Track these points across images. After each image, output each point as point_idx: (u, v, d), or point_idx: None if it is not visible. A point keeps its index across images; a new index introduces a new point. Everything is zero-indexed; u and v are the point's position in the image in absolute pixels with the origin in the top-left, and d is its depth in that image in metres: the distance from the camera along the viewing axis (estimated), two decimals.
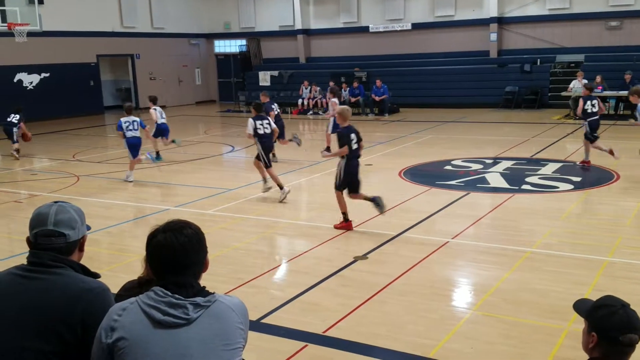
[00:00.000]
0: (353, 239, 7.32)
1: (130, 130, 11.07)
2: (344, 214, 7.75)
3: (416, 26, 24.25)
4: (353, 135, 7.64)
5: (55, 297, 2.26)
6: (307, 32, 26.55)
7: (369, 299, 5.44)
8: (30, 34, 16.17)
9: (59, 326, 2.24)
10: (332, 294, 5.64)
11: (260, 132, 9.45)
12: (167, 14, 26.27)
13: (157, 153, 13.20)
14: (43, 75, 21.45)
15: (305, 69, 25.80)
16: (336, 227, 7.73)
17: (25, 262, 2.41)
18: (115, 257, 7.06)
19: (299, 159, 13.07)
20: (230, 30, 28.04)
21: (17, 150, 14.29)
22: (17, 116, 14.53)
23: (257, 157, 9.63)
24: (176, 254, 2.13)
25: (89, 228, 2.54)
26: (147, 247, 2.20)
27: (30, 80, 21.17)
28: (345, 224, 7.72)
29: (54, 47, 21.21)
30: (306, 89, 23.02)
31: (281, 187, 9.32)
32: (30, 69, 21.05)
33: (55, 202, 2.46)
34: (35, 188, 10.92)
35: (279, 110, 13.28)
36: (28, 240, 2.41)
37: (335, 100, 13.67)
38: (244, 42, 27.72)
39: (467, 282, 6.04)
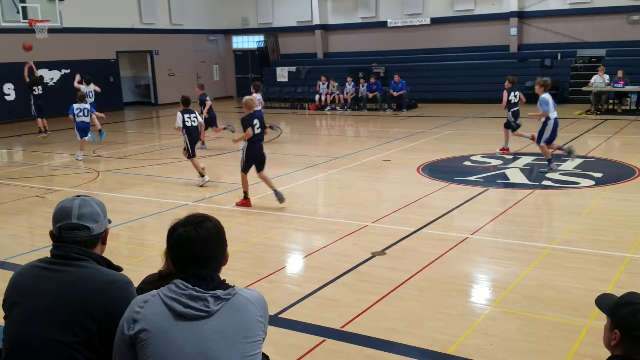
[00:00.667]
0: (371, 235, 7.31)
1: (80, 116, 13.12)
2: (245, 192, 8.75)
3: (435, 21, 24.07)
4: (256, 121, 8.56)
5: (80, 289, 2.31)
6: (325, 28, 26.50)
7: (387, 295, 5.42)
8: (50, 31, 16.34)
9: (84, 318, 2.28)
10: (350, 289, 5.64)
11: (188, 124, 10.36)
12: (185, 10, 26.39)
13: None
14: (63, 71, 21.68)
15: (322, 65, 25.77)
16: (237, 204, 8.72)
17: (47, 255, 2.45)
18: (135, 251, 7.13)
19: (314, 154, 13.06)
20: (248, 26, 28.09)
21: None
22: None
23: (184, 149, 10.57)
24: (197, 246, 2.15)
25: (109, 222, 2.57)
26: (168, 241, 2.22)
27: (50, 76, 21.41)
28: (245, 201, 8.73)
29: (74, 44, 21.42)
30: (323, 84, 22.99)
31: (202, 175, 10.27)
32: (51, 65, 21.28)
33: (78, 196, 2.49)
34: (56, 183, 11.06)
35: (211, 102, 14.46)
36: (51, 234, 2.45)
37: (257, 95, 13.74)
38: (261, 38, 27.76)
39: (487, 279, 5.99)
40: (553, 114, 10.42)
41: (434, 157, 12.29)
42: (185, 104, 10.52)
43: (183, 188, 10.49)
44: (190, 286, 2.11)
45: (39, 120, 15.76)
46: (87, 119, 13.32)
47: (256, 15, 27.68)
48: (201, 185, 10.24)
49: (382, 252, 6.60)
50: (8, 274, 6.21)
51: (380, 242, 6.92)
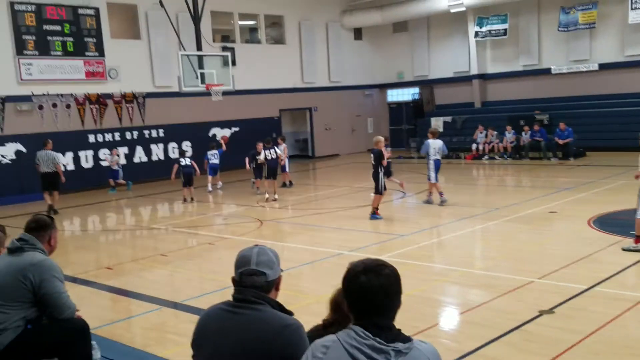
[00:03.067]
0: (537, 292, 6.81)
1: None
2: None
3: (604, 66, 22.53)
4: None
5: (258, 331, 2.50)
6: (483, 77, 26.02)
7: (557, 357, 4.97)
8: (224, 93, 17.92)
9: (262, 358, 2.42)
10: (516, 349, 5.26)
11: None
12: (343, 69, 27.53)
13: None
14: (233, 129, 23.56)
15: (480, 114, 25.20)
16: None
17: (224, 299, 2.69)
18: (293, 297, 7.33)
19: (471, 204, 12.64)
20: (404, 79, 28.50)
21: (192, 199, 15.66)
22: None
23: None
24: (378, 295, 2.14)
25: (281, 270, 2.75)
26: (348, 289, 2.20)
27: (222, 134, 23.35)
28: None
29: (243, 104, 23.26)
30: (481, 133, 22.43)
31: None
32: (223, 124, 23.26)
33: (256, 245, 2.73)
34: (225, 231, 11.85)
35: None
36: (233, 279, 2.68)
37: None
38: (416, 90, 27.97)
39: None
40: None
41: (607, 209, 11.27)
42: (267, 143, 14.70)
43: (337, 237, 10.68)
44: (370, 336, 2.09)
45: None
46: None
47: (412, 68, 28.02)
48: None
49: (551, 311, 6.09)
50: (183, 314, 6.75)
51: (547, 300, 6.41)
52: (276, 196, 14.86)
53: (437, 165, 13.01)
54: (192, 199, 15.64)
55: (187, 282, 8.52)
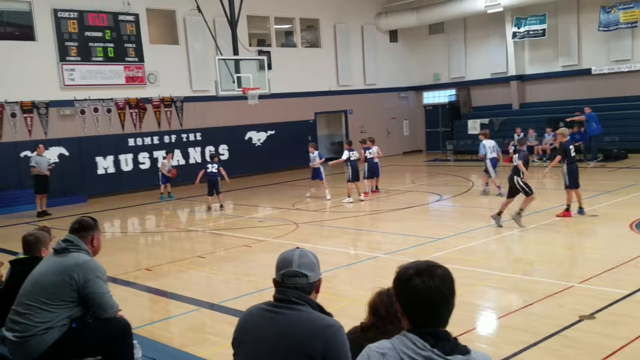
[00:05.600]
0: (577, 297, 6.67)
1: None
2: (568, 205, 10.87)
3: None
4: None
5: (300, 331, 2.54)
6: (522, 78, 25.60)
7: None
8: (260, 97, 18.09)
9: (303, 358, 2.48)
10: (555, 355, 5.16)
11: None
12: (378, 71, 27.46)
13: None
14: (269, 132, 23.75)
15: (518, 115, 24.80)
16: (558, 215, 10.82)
17: (260, 301, 2.74)
18: (329, 300, 7.35)
19: (509, 207, 12.44)
20: (440, 81, 28.27)
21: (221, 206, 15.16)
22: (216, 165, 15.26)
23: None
24: (434, 298, 2.05)
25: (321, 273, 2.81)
26: (401, 292, 2.13)
27: (258, 137, 23.57)
28: (566, 213, 10.85)
29: (278, 107, 23.43)
30: (519, 135, 22.05)
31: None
32: (259, 128, 23.48)
33: (297, 247, 2.79)
34: (261, 234, 11.95)
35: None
36: (274, 280, 2.74)
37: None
38: (453, 91, 27.71)
39: None
40: None
41: None
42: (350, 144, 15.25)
43: (373, 240, 10.66)
44: (428, 347, 2.03)
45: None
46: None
47: (448, 70, 27.77)
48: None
49: (591, 316, 5.97)
50: (220, 316, 6.84)
51: (588, 305, 6.28)
52: (359, 197, 14.98)
53: (493, 163, 14.37)
54: (221, 205, 15.17)
55: (224, 284, 8.63)
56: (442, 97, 28.62)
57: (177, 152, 20.97)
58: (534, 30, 23.87)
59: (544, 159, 21.06)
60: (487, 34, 25.97)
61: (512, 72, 25.37)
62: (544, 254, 8.93)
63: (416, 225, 11.54)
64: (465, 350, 2.06)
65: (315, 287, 2.73)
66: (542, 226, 10.63)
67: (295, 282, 2.65)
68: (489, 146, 14.45)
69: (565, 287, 6.98)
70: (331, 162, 17.01)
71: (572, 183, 11.09)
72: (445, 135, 27.76)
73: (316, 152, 15.88)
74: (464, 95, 27.39)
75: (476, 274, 7.95)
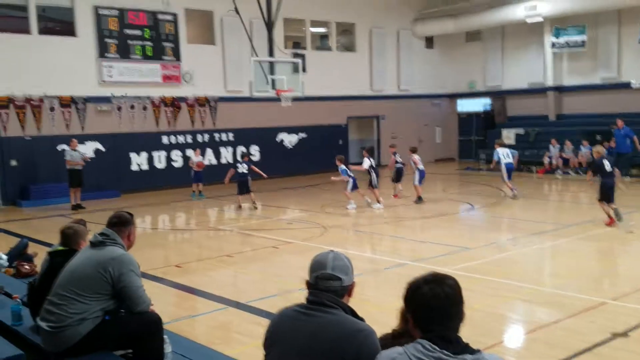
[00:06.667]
0: (610, 313, 6.52)
1: None
2: (608, 214, 11.25)
3: None
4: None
5: (332, 334, 2.53)
6: (559, 89, 25.17)
7: None
8: (292, 99, 18.16)
9: None
10: None
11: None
12: (413, 77, 27.31)
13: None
14: (300, 135, 23.82)
15: (554, 127, 24.38)
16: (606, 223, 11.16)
17: (286, 302, 2.72)
18: (355, 305, 7.32)
19: (542, 220, 12.23)
20: (475, 89, 27.97)
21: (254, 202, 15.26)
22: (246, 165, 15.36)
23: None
24: (442, 305, 2.15)
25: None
26: (411, 299, 2.24)
27: (290, 139, 23.67)
28: (610, 221, 11.17)
29: (311, 110, 23.48)
30: (554, 147, 21.70)
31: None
32: (290, 130, 23.58)
33: (331, 250, 2.78)
34: (289, 236, 11.99)
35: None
36: (307, 283, 2.73)
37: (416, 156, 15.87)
38: (488, 100, 27.39)
39: None
40: None
41: None
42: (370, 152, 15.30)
43: (402, 247, 10.59)
44: (437, 348, 2.09)
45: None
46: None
47: (484, 78, 27.47)
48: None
49: (625, 334, 5.83)
50: (247, 315, 6.87)
51: (622, 322, 6.13)
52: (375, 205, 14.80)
53: (509, 167, 15.38)
54: (254, 204, 15.24)
55: (251, 283, 8.68)
56: (476, 105, 28.29)
57: (209, 152, 21.18)
58: (573, 41, 23.45)
59: (580, 172, 20.64)
60: (525, 43, 25.61)
61: (549, 82, 24.95)
62: (577, 268, 8.75)
63: (446, 234, 11.43)
64: (475, 351, 2.10)
65: (348, 290, 2.73)
66: (575, 240, 10.42)
67: (328, 285, 2.64)
68: (502, 153, 15.49)
69: (598, 303, 6.83)
70: (353, 167, 15.92)
71: (602, 196, 11.24)
72: (478, 144, 27.45)
73: (342, 166, 15.07)
74: (499, 105, 27.05)
75: (506, 286, 7.84)
